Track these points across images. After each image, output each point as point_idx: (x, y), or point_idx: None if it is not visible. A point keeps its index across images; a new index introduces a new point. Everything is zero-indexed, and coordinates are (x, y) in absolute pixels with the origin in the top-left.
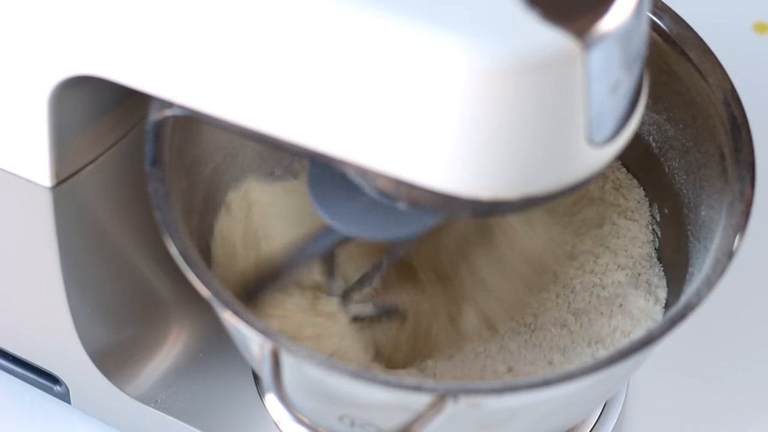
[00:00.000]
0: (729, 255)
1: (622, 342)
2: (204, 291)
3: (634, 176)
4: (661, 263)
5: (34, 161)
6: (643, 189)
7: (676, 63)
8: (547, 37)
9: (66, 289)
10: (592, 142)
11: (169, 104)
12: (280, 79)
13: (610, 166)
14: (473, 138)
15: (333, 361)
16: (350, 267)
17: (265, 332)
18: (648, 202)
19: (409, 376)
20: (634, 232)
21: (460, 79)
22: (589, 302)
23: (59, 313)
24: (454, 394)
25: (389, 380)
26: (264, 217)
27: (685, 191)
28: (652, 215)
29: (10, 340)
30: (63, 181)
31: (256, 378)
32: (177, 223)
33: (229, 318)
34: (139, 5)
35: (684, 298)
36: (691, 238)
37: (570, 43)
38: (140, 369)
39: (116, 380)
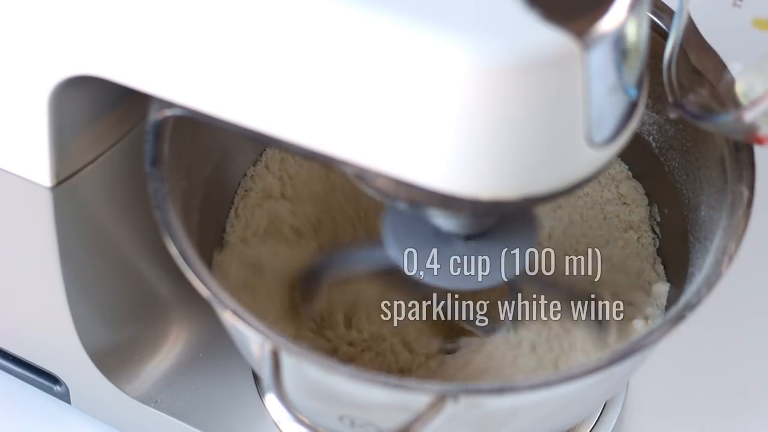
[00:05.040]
0: (729, 255)
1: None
2: (204, 291)
3: (635, 176)
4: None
5: (34, 161)
6: (643, 189)
7: None
8: (547, 38)
9: (66, 289)
10: (591, 142)
11: (169, 104)
12: (280, 79)
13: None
14: (473, 138)
15: (333, 361)
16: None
17: (265, 332)
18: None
19: (409, 377)
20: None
21: (460, 79)
22: None
23: (59, 313)
24: (454, 394)
25: (389, 380)
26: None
27: (685, 191)
28: (651, 215)
29: (10, 340)
30: (63, 181)
31: (256, 378)
32: (177, 223)
33: (229, 318)
34: (139, 6)
35: (684, 298)
36: (691, 238)
37: (570, 43)
38: (140, 369)
39: (116, 380)
